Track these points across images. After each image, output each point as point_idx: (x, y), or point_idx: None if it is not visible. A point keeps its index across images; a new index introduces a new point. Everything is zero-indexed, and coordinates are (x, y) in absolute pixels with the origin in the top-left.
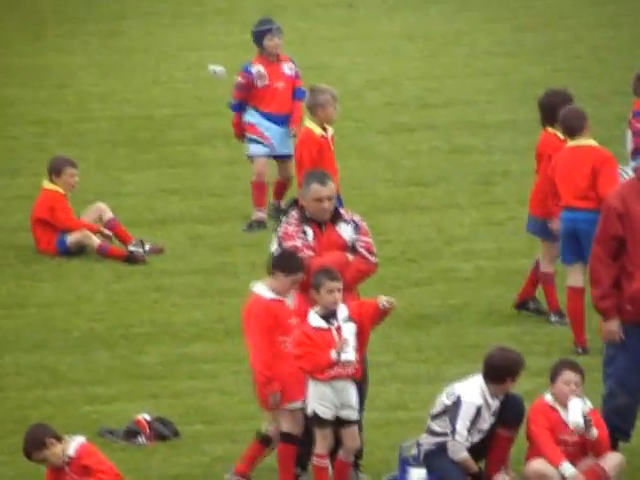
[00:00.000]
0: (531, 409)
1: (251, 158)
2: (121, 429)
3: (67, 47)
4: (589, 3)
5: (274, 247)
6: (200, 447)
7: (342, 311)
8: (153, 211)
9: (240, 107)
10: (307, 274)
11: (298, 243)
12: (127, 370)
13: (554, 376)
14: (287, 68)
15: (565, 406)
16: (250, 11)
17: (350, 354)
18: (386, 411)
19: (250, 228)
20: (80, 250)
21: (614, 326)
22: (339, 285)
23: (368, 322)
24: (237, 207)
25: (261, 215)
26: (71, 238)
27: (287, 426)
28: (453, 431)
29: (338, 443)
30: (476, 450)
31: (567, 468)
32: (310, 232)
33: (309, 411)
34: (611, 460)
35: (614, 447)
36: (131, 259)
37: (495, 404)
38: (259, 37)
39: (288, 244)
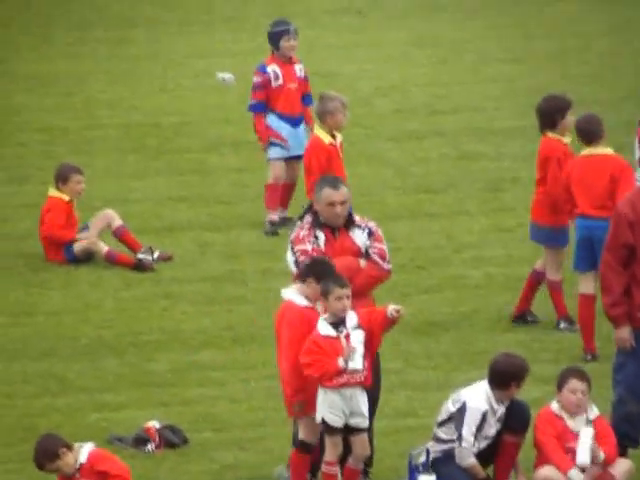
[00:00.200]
0: (537, 418)
1: (270, 161)
2: (130, 436)
3: (75, 54)
4: (598, 10)
5: (288, 253)
6: (209, 455)
7: (351, 318)
8: (161, 218)
9: (260, 107)
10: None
11: (308, 247)
12: (136, 378)
13: (560, 384)
14: (298, 70)
15: (571, 414)
16: (258, 18)
17: (358, 362)
18: (395, 418)
19: (272, 228)
20: (88, 257)
21: (625, 333)
22: (348, 292)
23: (377, 330)
24: (245, 214)
25: (274, 217)
26: (78, 246)
27: (305, 434)
28: (459, 437)
29: (348, 450)
30: (483, 456)
31: (575, 475)
32: (322, 237)
33: (319, 418)
34: (620, 467)
35: (623, 454)
36: (139, 267)
37: (500, 410)
38: (275, 38)
39: (298, 248)
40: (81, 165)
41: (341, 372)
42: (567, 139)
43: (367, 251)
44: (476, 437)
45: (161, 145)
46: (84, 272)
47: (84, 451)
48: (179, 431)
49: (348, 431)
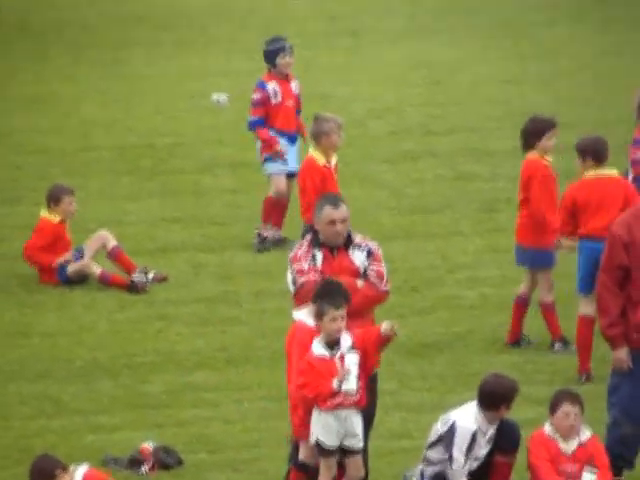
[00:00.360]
0: (531, 440)
1: (270, 176)
2: (125, 458)
3: (70, 76)
4: (592, 32)
5: (288, 272)
6: (203, 476)
7: (346, 340)
8: (155, 240)
9: (260, 123)
10: (311, 298)
11: (305, 266)
12: (131, 399)
13: (553, 408)
14: (294, 87)
15: (564, 438)
16: (252, 40)
17: (352, 384)
18: (390, 440)
19: (260, 244)
20: (82, 279)
21: (623, 354)
22: (342, 313)
23: (372, 349)
24: (239, 235)
25: (266, 233)
26: (71, 267)
27: (305, 455)
28: (450, 458)
29: (342, 471)
30: (475, 477)
31: None
32: (320, 256)
33: (313, 440)
34: None
35: (618, 474)
36: (133, 288)
37: (490, 430)
38: (271, 55)
39: (295, 266)
40: (75, 186)
41: (335, 393)
42: (549, 160)
43: (365, 271)
44: (467, 458)
45: (155, 166)
46: (78, 294)
47: (79, 472)
48: (173, 452)
49: (342, 453)
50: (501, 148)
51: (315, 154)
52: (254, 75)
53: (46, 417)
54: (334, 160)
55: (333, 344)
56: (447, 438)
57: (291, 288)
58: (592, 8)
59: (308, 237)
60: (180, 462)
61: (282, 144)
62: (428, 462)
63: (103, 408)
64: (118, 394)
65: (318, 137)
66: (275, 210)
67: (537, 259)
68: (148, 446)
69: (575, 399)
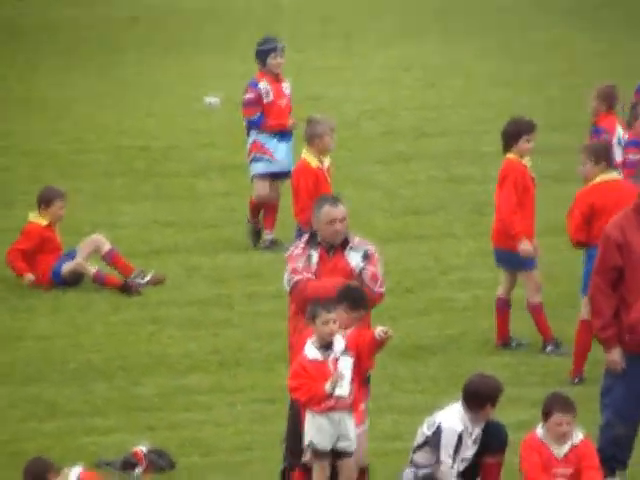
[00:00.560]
0: (523, 444)
1: (253, 178)
2: (118, 460)
3: (62, 79)
4: (582, 34)
5: (285, 272)
6: (196, 479)
7: (339, 342)
8: (148, 242)
9: (261, 120)
10: (304, 297)
11: (299, 265)
12: (124, 402)
13: (546, 415)
14: (285, 87)
15: (557, 442)
16: (245, 42)
17: (345, 389)
18: (383, 441)
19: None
20: (76, 280)
21: (616, 356)
22: (335, 316)
23: (366, 352)
24: (232, 238)
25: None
26: (66, 267)
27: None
28: (437, 460)
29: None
30: (464, 478)
31: None
32: (315, 256)
33: (306, 442)
34: None
35: (612, 475)
36: (126, 289)
37: (476, 431)
38: (263, 55)
39: (290, 266)
40: (69, 189)
41: (328, 396)
42: (526, 162)
43: (360, 273)
44: (454, 459)
45: (149, 169)
46: (72, 297)
47: (73, 475)
48: (166, 455)
49: (335, 455)
50: (494, 150)
51: (308, 156)
52: (247, 77)
53: (39, 420)
54: (327, 162)
55: (326, 347)
56: (433, 440)
57: (287, 287)
58: (584, 11)
59: (305, 237)
60: (173, 465)
61: (272, 145)
62: (415, 465)
63: (97, 410)
64: (112, 396)
65: (311, 139)
66: (265, 212)
67: (516, 261)
68: (141, 449)
69: (568, 408)
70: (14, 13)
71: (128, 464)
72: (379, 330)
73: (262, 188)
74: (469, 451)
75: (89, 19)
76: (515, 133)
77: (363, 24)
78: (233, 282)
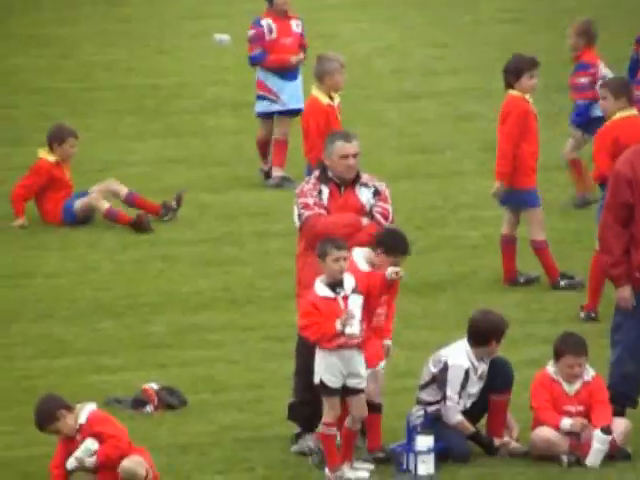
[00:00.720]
0: (533, 382)
1: (258, 116)
2: (129, 398)
3: (69, 16)
4: None
5: (294, 207)
6: (207, 416)
7: (349, 281)
8: (159, 180)
9: (263, 56)
10: (315, 232)
11: (310, 201)
12: (134, 340)
13: (557, 356)
14: (295, 25)
15: (568, 381)
16: None
17: (355, 327)
18: (394, 379)
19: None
20: (86, 218)
21: (626, 292)
22: (345, 254)
23: (376, 292)
24: (243, 176)
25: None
26: (79, 203)
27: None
28: (444, 397)
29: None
30: (471, 414)
31: (567, 422)
32: (326, 192)
33: (317, 380)
34: (618, 427)
35: (621, 413)
36: (138, 225)
37: (482, 367)
38: None
39: (301, 201)
40: (78, 127)
41: (338, 334)
42: (528, 99)
43: (371, 210)
44: (460, 395)
45: (159, 107)
46: (81, 234)
47: (84, 412)
48: (177, 393)
49: (346, 392)
50: (503, 88)
51: (318, 94)
52: (255, 15)
53: (49, 357)
54: (337, 100)
55: (336, 285)
56: (440, 378)
57: (297, 222)
58: None
59: (316, 173)
60: (184, 402)
61: (274, 83)
62: (421, 403)
63: (106, 348)
64: (121, 335)
65: (321, 77)
66: (275, 149)
67: (520, 199)
68: (152, 386)
69: (579, 350)
70: None
71: (139, 402)
72: (390, 270)
73: (263, 128)
74: (475, 387)
75: None
76: (517, 70)
77: None
78: (243, 220)
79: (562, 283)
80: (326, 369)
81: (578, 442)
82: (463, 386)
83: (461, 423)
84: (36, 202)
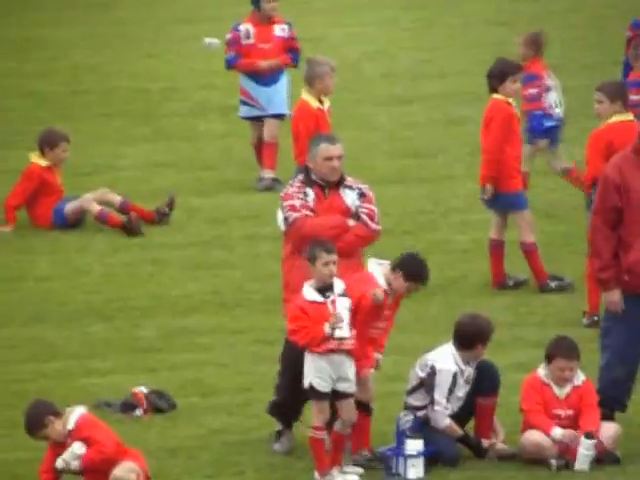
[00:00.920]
0: (524, 384)
1: (245, 119)
2: (118, 402)
3: (60, 20)
4: None
5: (278, 211)
6: (197, 419)
7: (338, 285)
8: (148, 184)
9: (236, 59)
10: (302, 234)
11: (296, 203)
12: (124, 343)
13: (549, 359)
14: (279, 30)
15: (559, 385)
16: None
17: (345, 330)
18: (384, 383)
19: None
20: (77, 221)
21: (616, 296)
22: (334, 258)
23: (361, 315)
24: (232, 179)
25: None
26: (69, 205)
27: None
28: (432, 401)
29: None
30: (458, 417)
31: (558, 432)
32: (311, 194)
33: (306, 384)
34: (608, 431)
35: (611, 417)
36: (128, 228)
37: (468, 370)
38: None
39: (287, 204)
40: (67, 130)
41: (327, 338)
42: (512, 103)
43: (356, 211)
44: (448, 399)
45: (148, 110)
46: (72, 238)
47: (73, 417)
48: (167, 396)
49: (335, 397)
50: None
51: (308, 98)
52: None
53: (39, 361)
54: (327, 104)
55: (325, 289)
56: (428, 382)
57: (282, 226)
58: None
59: (300, 176)
60: (173, 406)
61: (252, 88)
62: (409, 408)
63: (97, 352)
64: (112, 338)
65: (311, 81)
66: (265, 152)
67: (507, 202)
68: (141, 390)
69: (571, 354)
70: None
71: (128, 405)
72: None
73: (253, 131)
74: (461, 391)
75: None
76: (501, 74)
77: None
78: (233, 223)
79: (552, 285)
80: (315, 373)
81: (567, 446)
82: (451, 390)
83: (449, 427)
84: (26, 206)
